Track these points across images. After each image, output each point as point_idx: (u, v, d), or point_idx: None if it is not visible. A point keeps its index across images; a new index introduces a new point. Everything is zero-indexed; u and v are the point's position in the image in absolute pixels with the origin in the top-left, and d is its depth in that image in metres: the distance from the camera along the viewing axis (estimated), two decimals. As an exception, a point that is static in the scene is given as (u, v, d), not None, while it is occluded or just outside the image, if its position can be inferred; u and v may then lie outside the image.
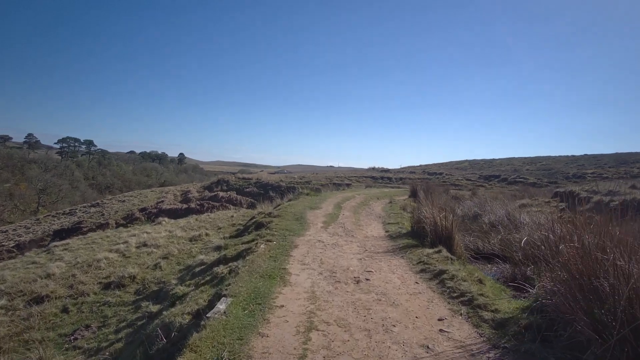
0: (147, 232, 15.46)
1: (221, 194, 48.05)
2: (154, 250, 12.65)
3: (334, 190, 21.61)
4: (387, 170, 56.49)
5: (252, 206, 46.34)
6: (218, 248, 9.78)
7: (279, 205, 15.29)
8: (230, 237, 12.67)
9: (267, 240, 8.18)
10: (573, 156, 63.67)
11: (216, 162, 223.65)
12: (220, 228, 15.38)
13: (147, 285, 9.61)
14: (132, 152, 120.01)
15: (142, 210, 47.31)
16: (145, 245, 13.30)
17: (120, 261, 11.85)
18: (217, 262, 8.07)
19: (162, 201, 49.28)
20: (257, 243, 7.92)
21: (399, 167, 63.37)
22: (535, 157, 63.70)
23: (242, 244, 9.28)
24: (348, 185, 45.68)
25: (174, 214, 44.63)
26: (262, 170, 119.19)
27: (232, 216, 17.91)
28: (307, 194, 17.22)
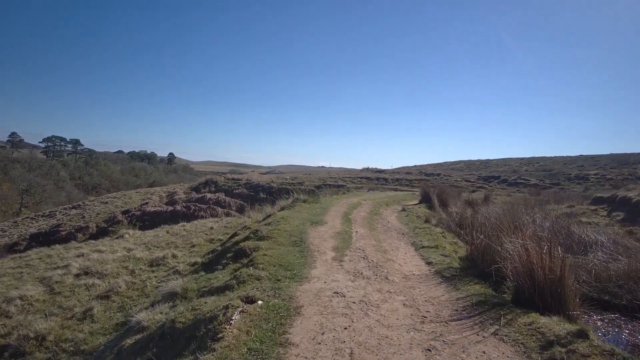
0: (99, 251, 11.61)
1: (209, 195, 44.24)
2: (97, 281, 8.82)
3: (333, 195, 17.97)
4: (382, 171, 52.96)
5: (241, 209, 42.57)
6: (172, 296, 6.01)
7: (270, 216, 11.56)
8: (203, 263, 8.91)
9: (247, 300, 4.43)
10: (569, 157, 60.86)
11: (207, 162, 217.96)
12: (193, 246, 11.60)
13: (57, 356, 5.84)
14: (120, 151, 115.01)
15: (125, 212, 43.39)
16: (87, 273, 9.46)
17: (43, 302, 8.01)
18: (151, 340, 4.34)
19: (147, 203, 45.35)
20: (229, 307, 4.16)
21: (393, 168, 59.94)
22: (532, 157, 60.76)
23: (209, 292, 5.56)
24: (343, 186, 42.05)
25: (158, 216, 40.71)
26: (253, 171, 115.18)
27: (212, 228, 14.11)
28: (304, 201, 13.51)
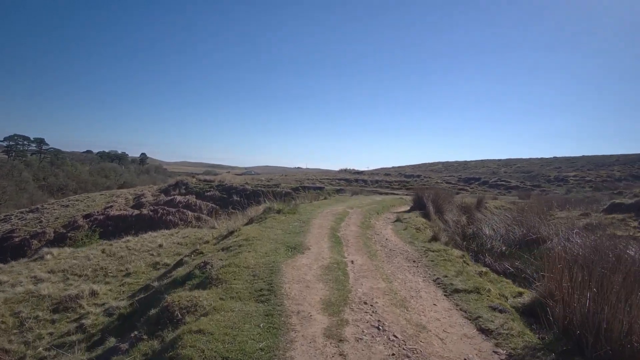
0: (-3, 282, 8.25)
1: (179, 198, 40.52)
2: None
3: (313, 201, 14.93)
4: (361, 172, 50.32)
5: (213, 213, 39.03)
6: None
7: (233, 233, 8.48)
8: (124, 314, 5.75)
9: None
10: (544, 158, 59.74)
11: (181, 163, 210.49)
12: (128, 274, 8.39)
13: None
14: (89, 151, 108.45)
15: (86, 216, 39.13)
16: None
17: None
18: None
19: (111, 206, 41.26)
20: None
21: (371, 169, 57.44)
22: (508, 159, 59.38)
23: None
24: (321, 188, 39.10)
25: (123, 221, 36.82)
26: (228, 172, 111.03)
27: (161, 245, 10.85)
28: (279, 211, 10.42)
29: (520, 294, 5.61)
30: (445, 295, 5.19)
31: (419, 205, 15.13)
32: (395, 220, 11.50)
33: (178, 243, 11.04)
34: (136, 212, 38.12)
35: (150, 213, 37.59)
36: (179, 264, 7.30)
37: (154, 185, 50.52)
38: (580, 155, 59.96)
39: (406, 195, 33.82)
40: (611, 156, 53.63)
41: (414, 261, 6.97)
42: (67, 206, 43.74)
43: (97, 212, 39.53)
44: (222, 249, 6.89)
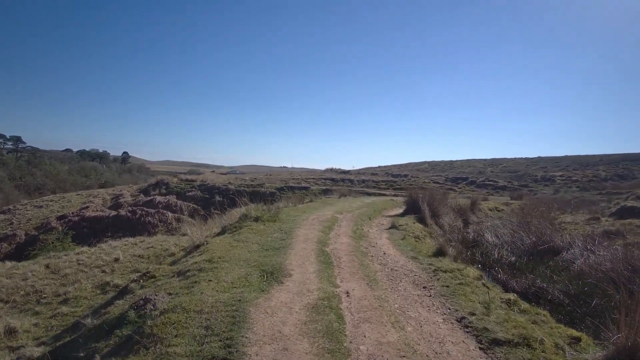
0: None
1: (158, 198, 38.42)
2: None
3: (298, 204, 13.24)
4: (347, 172, 48.80)
5: (194, 214, 37.06)
6: None
7: (199, 247, 6.79)
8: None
9: None
10: (528, 158, 59.13)
11: (165, 162, 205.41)
12: (66, 301, 6.62)
13: None
14: (68, 150, 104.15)
15: (60, 218, 36.80)
16: None
17: None
18: None
19: (87, 207, 38.91)
20: None
21: (357, 168, 56.00)
22: (494, 158, 58.62)
23: None
24: (307, 188, 37.50)
25: (99, 222, 34.70)
26: (213, 171, 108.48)
27: (117, 259, 9.05)
28: (257, 219, 8.72)
29: (578, 341, 4.06)
30: (482, 349, 3.61)
31: (412, 208, 13.65)
32: (390, 227, 9.94)
33: (139, 256, 9.26)
34: (113, 213, 36.02)
35: (128, 214, 35.54)
36: (124, 291, 5.58)
37: (133, 185, 48.15)
38: (564, 155, 59.53)
39: (395, 196, 32.37)
40: (594, 156, 53.23)
41: (424, 287, 5.39)
42: (41, 207, 41.27)
43: (72, 213, 37.23)
44: (178, 273, 5.20)
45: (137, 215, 34.62)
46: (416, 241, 8.81)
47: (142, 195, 41.25)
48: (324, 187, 37.35)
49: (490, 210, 20.35)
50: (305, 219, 9.51)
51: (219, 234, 8.24)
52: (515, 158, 57.93)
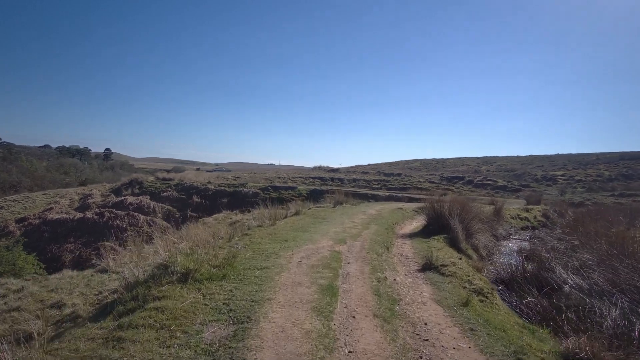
0: None
1: (130, 199, 33.81)
2: None
3: (277, 222, 8.92)
4: (336, 170, 44.76)
5: (169, 216, 32.67)
6: None
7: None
8: None
9: None
10: (520, 156, 55.96)
11: (150, 159, 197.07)
12: None
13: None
14: (46, 146, 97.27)
15: (20, 221, 32.21)
16: None
17: None
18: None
19: (52, 208, 34.14)
20: None
21: (347, 166, 52.08)
22: (487, 157, 55.28)
23: None
24: (293, 188, 33.28)
25: (62, 226, 30.10)
26: (198, 168, 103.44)
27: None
28: (185, 277, 4.43)
29: None
30: None
31: (436, 223, 9.69)
32: (425, 268, 5.88)
33: (57, 288, 5.19)
34: (79, 215, 31.44)
35: (95, 217, 31.02)
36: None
37: (107, 184, 43.30)
38: (556, 153, 56.48)
39: (392, 197, 28.45)
40: (590, 154, 50.23)
41: None
42: (2, 208, 36.37)
43: (34, 215, 32.50)
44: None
45: (105, 219, 30.15)
46: (482, 302, 4.81)
47: (113, 195, 36.64)
48: (312, 187, 33.22)
49: (513, 218, 16.53)
50: (285, 264, 5.30)
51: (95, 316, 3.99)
52: (509, 156, 54.73)
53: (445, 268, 5.79)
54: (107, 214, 30.81)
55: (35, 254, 26.90)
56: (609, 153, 48.70)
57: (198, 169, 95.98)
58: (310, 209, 11.92)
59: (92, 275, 7.38)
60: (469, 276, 5.62)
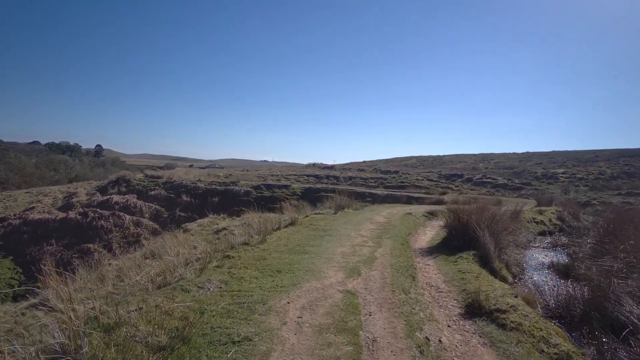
0: None
1: (115, 198, 31.67)
2: None
3: (267, 236, 7.04)
4: (331, 167, 42.94)
5: (157, 216, 30.69)
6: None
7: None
8: None
9: None
10: (515, 153, 54.60)
11: (142, 155, 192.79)
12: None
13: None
14: (35, 142, 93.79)
15: (-1, 221, 30.10)
16: None
17: None
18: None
19: (33, 207, 31.94)
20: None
21: (341, 163, 50.34)
22: (484, 153, 53.79)
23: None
24: (287, 186, 31.43)
25: (44, 226, 27.99)
26: (191, 165, 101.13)
27: None
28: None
29: None
30: None
31: (462, 237, 7.93)
32: (473, 313, 4.13)
33: None
34: (61, 215, 29.28)
35: (79, 217, 28.87)
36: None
37: (93, 182, 41.06)
38: (551, 150, 55.21)
39: (391, 196, 26.72)
40: (588, 151, 48.94)
41: None
42: (-19, 207, 34.04)
43: (14, 215, 30.32)
44: None
45: (89, 219, 28.04)
46: None
47: (98, 194, 34.47)
48: (307, 186, 31.36)
49: (528, 222, 14.85)
50: (277, 330, 3.17)
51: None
52: (505, 153, 53.34)
53: (504, 316, 4.01)
54: (91, 214, 28.72)
55: (11, 257, 24.89)
56: (607, 150, 47.43)
57: (191, 166, 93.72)
58: (307, 216, 10.06)
59: (22, 314, 5.54)
60: (540, 330, 3.84)
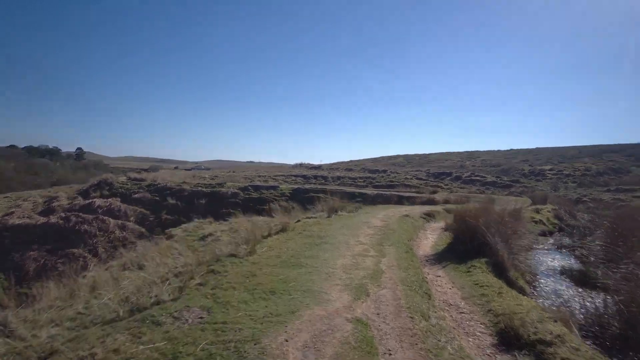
0: None
1: (98, 201, 30.23)
2: None
3: (247, 258, 6.13)
4: (318, 167, 42.14)
5: (142, 220, 29.44)
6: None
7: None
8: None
9: None
10: (501, 151, 54.51)
11: (126, 158, 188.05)
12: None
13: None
14: (12, 146, 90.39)
15: (-25, 227, 28.27)
16: None
17: None
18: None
19: (12, 212, 30.21)
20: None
21: (328, 163, 49.54)
22: (470, 151, 53.61)
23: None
24: (275, 187, 30.55)
25: (25, 232, 26.49)
26: (176, 167, 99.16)
27: None
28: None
29: None
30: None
31: (469, 242, 7.24)
32: (509, 343, 3.40)
33: None
34: (43, 219, 27.75)
35: (61, 221, 27.37)
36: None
37: (75, 186, 39.47)
38: (535, 147, 55.30)
39: (381, 197, 26.05)
40: (571, 147, 49.10)
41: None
42: (-44, 214, 32.22)
43: (-9, 221, 28.68)
44: None
45: (71, 223, 26.62)
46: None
47: (80, 197, 32.98)
48: (296, 186, 30.50)
49: (527, 222, 14.22)
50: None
51: None
52: (491, 150, 53.25)
53: (550, 350, 3.27)
54: (74, 218, 27.30)
55: (-10, 265, 23.50)
56: (589, 146, 47.69)
57: (176, 168, 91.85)
58: (299, 221, 9.23)
59: None
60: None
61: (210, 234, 10.65)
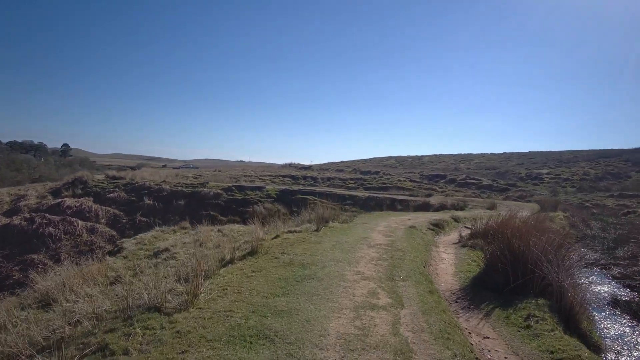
0: None
1: (68, 201, 27.43)
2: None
3: (223, 269, 3.98)
4: (308, 168, 39.82)
5: (114, 222, 26.74)
6: None
7: None
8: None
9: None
10: (495, 154, 52.88)
11: (114, 155, 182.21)
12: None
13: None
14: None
15: None
16: None
17: None
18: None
19: (-26, 212, 27.42)
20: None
21: (318, 163, 47.31)
22: (463, 154, 51.86)
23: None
24: (261, 188, 28.09)
25: (-17, 234, 23.66)
26: (164, 165, 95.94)
27: None
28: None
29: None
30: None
31: (514, 273, 4.89)
32: None
33: None
34: (6, 220, 24.90)
35: (25, 223, 24.55)
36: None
37: (48, 184, 36.52)
38: (528, 150, 53.75)
39: (373, 200, 23.88)
40: (565, 152, 47.61)
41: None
42: None
43: (-52, 222, 25.76)
44: None
45: (35, 225, 23.82)
46: None
47: (50, 196, 30.10)
48: (283, 187, 28.15)
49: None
50: None
51: None
52: (484, 153, 51.55)
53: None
54: (39, 220, 24.48)
55: None
56: (585, 151, 46.27)
57: (164, 166, 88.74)
58: (277, 236, 6.82)
59: None
60: None
61: (167, 249, 8.29)
